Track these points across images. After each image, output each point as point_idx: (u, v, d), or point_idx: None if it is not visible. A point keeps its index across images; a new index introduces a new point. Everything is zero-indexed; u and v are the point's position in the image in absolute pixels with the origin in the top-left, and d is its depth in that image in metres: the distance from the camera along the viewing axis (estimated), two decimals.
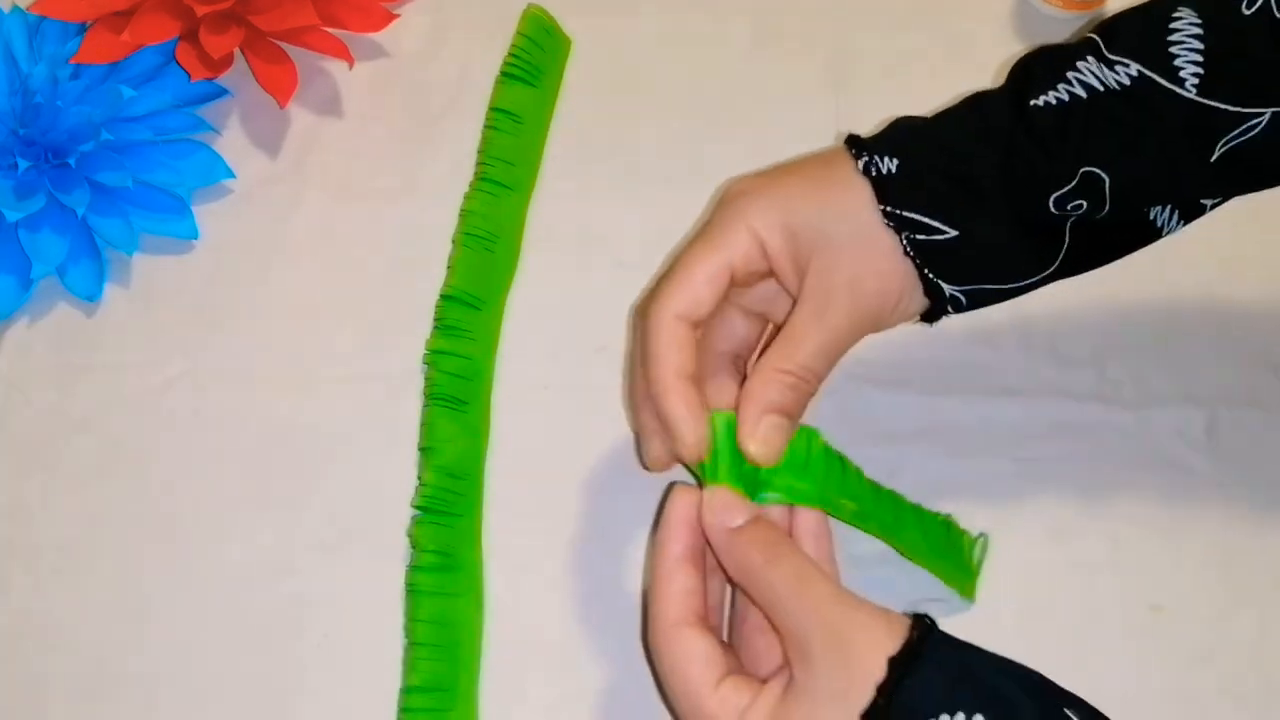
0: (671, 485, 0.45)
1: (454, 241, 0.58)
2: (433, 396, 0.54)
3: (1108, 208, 0.45)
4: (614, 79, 0.63)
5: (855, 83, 0.62)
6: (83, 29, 0.60)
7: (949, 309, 0.47)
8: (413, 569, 0.51)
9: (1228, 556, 0.52)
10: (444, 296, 0.56)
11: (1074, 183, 0.44)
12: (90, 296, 0.58)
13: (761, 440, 0.44)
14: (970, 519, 0.51)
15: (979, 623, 0.49)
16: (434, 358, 0.55)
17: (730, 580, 0.45)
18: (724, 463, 0.45)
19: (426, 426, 0.54)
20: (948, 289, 0.46)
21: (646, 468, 0.49)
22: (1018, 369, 0.55)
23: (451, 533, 0.52)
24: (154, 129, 0.59)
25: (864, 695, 0.39)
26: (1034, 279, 0.48)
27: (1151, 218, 0.46)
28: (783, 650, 0.42)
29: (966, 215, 0.45)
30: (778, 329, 0.48)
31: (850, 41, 0.63)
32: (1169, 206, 0.46)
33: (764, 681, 0.42)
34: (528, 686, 0.50)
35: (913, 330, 0.50)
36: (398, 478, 0.53)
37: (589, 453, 0.54)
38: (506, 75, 0.61)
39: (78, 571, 0.53)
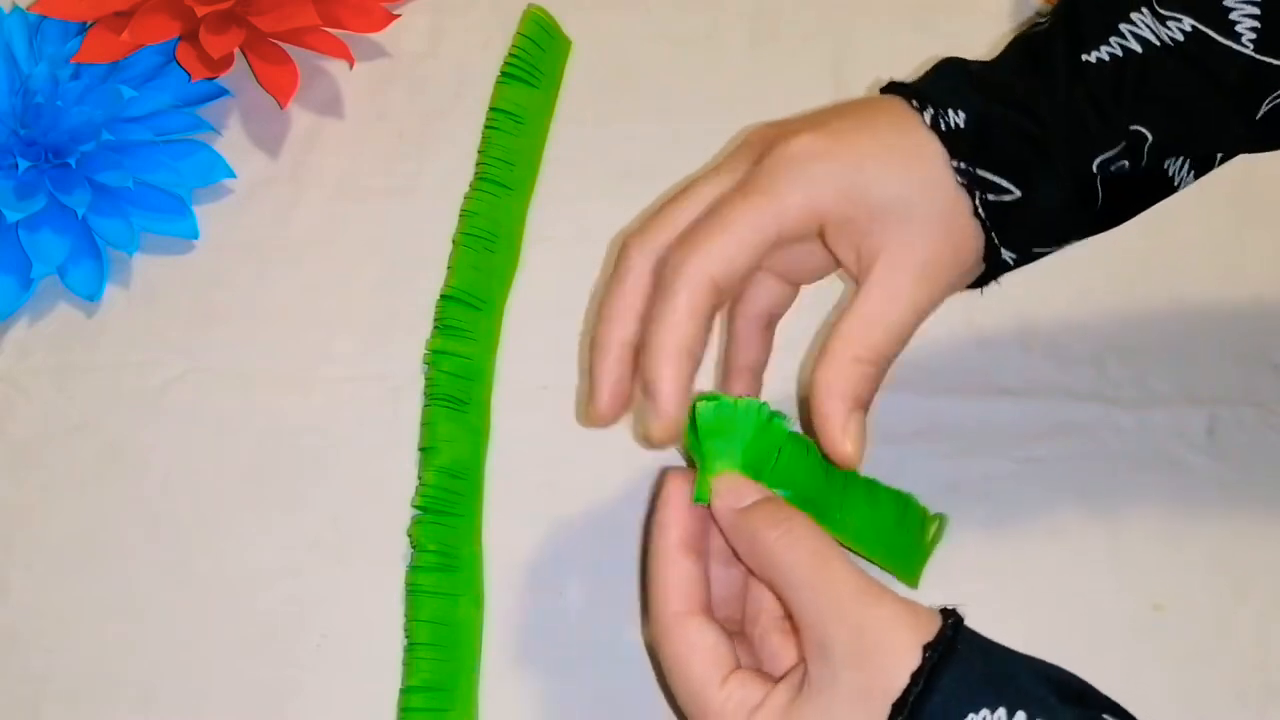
0: (664, 470, 0.44)
1: (454, 241, 0.58)
2: (433, 396, 0.54)
3: (1142, 163, 0.44)
4: (614, 79, 0.63)
5: (855, 82, 0.62)
6: (83, 29, 0.60)
7: (997, 275, 0.45)
8: (413, 569, 0.51)
9: (1228, 556, 0.52)
10: (444, 296, 0.56)
11: (1122, 144, 0.43)
12: (90, 296, 0.58)
13: (855, 439, 0.41)
14: (970, 519, 0.51)
15: (978, 623, 0.49)
16: (434, 358, 0.55)
17: (742, 563, 0.42)
18: (745, 453, 0.42)
19: (426, 426, 0.54)
20: (1004, 253, 0.44)
21: (585, 422, 0.45)
22: (1018, 369, 0.55)
23: (451, 533, 0.52)
24: (154, 129, 0.59)
25: (888, 694, 0.37)
26: (1072, 239, 0.46)
27: (1167, 170, 0.45)
28: (797, 644, 0.39)
29: (1032, 174, 0.43)
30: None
31: (850, 41, 0.63)
32: (1186, 160, 0.45)
33: (779, 680, 0.39)
34: (528, 686, 0.50)
35: None
36: (398, 478, 0.53)
37: (589, 453, 0.54)
38: (506, 75, 0.61)
39: (77, 571, 0.53)
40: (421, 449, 0.54)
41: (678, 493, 0.42)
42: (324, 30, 0.61)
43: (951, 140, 0.42)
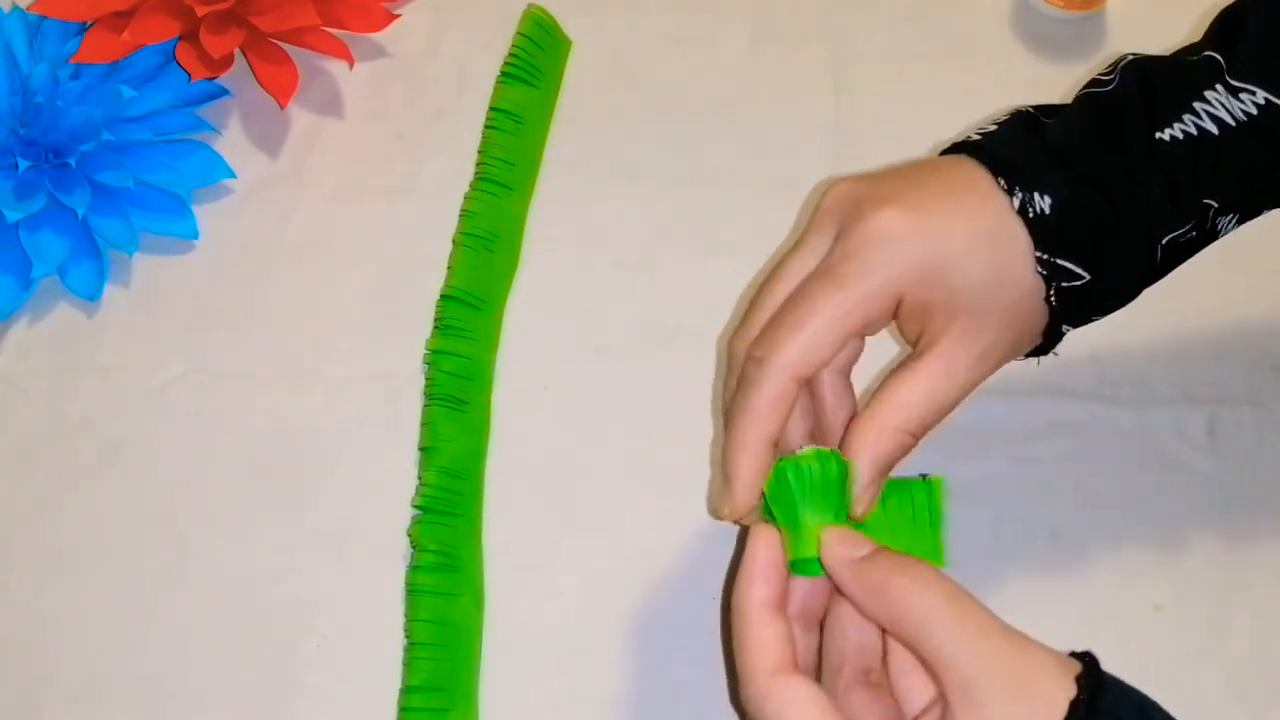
0: (749, 528, 0.43)
1: (454, 241, 0.58)
2: (433, 396, 0.54)
3: (1205, 229, 0.45)
4: (614, 79, 0.63)
5: (855, 82, 0.62)
6: (83, 29, 0.60)
7: (1053, 347, 0.46)
8: (413, 569, 0.51)
9: (1228, 556, 0.52)
10: (444, 296, 0.56)
11: (1193, 221, 0.44)
12: (90, 296, 0.58)
13: (869, 501, 0.42)
14: (970, 519, 0.51)
15: None
16: (434, 358, 0.55)
17: (865, 614, 0.41)
18: (826, 505, 0.42)
19: (427, 426, 0.54)
20: (1064, 327, 0.45)
21: (718, 513, 0.45)
22: (1018, 369, 0.55)
23: (451, 532, 0.52)
24: (154, 129, 0.59)
25: None
26: (1125, 304, 0.46)
27: (1219, 226, 0.45)
28: (938, 688, 0.38)
29: (1105, 258, 0.43)
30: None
31: (850, 41, 0.63)
32: (1237, 216, 0.45)
33: None
34: (528, 686, 0.50)
35: None
36: (398, 478, 0.53)
37: (589, 453, 0.54)
38: (506, 75, 0.61)
39: (78, 571, 0.53)
40: (421, 449, 0.54)
41: (767, 551, 0.42)
42: (324, 30, 0.61)
43: (1038, 229, 0.42)
